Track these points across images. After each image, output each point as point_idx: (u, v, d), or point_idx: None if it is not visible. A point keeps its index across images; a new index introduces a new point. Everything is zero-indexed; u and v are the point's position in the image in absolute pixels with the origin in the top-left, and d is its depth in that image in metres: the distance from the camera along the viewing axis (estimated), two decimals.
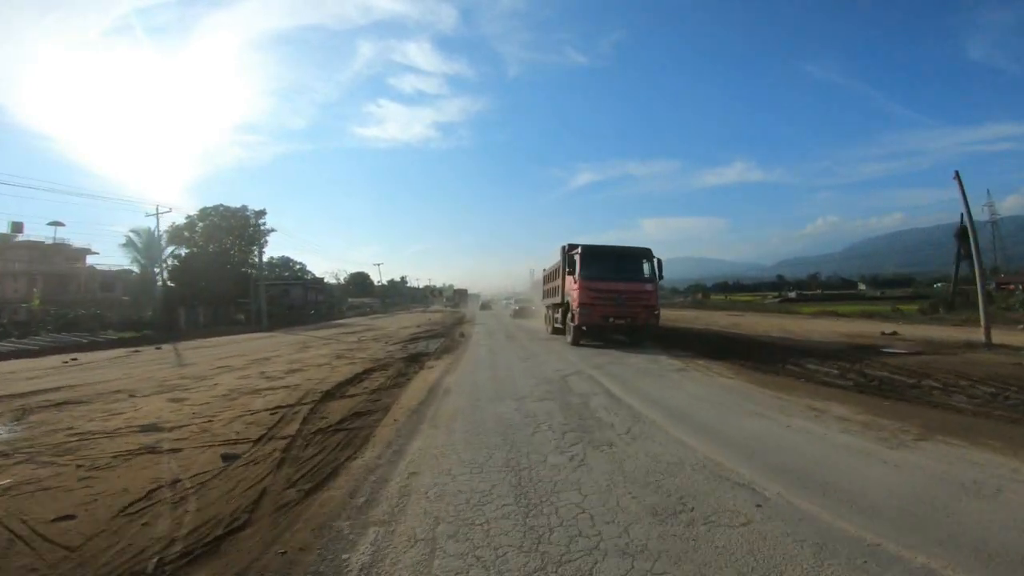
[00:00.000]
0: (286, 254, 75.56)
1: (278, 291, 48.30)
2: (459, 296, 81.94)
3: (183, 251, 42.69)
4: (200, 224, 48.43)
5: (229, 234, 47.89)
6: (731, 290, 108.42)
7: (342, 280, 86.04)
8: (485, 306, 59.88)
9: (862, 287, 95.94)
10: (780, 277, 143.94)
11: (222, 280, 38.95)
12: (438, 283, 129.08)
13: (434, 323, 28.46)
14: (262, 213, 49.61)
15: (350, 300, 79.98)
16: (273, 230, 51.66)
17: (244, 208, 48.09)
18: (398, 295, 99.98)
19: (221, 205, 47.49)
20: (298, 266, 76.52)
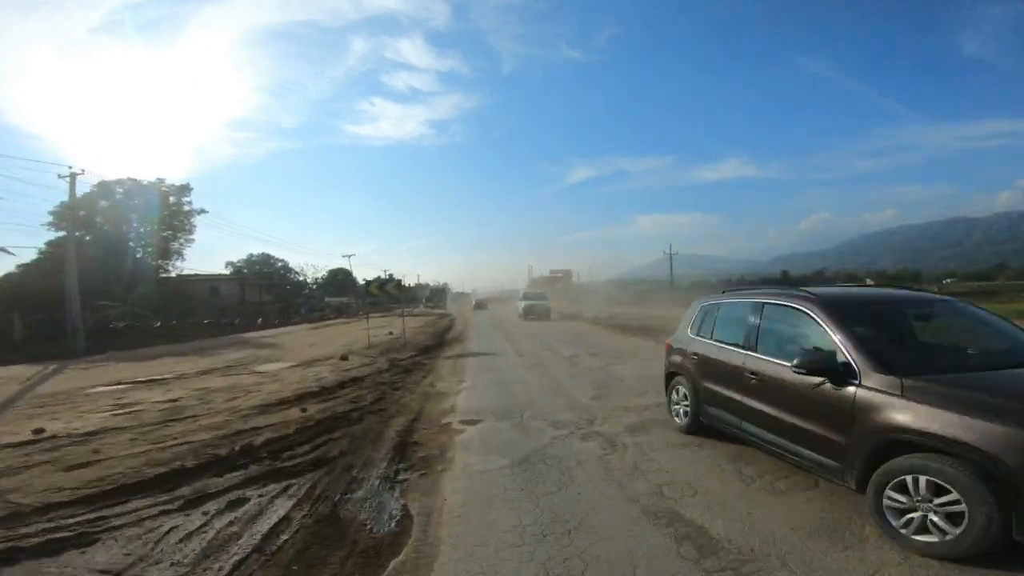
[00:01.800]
0: (268, 251, 69.77)
1: (204, 289, 37.67)
2: (438, 296, 72.42)
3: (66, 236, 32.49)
4: (104, 203, 38.05)
5: (142, 216, 37.58)
6: (735, 287, 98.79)
7: (309, 275, 76.80)
8: (480, 306, 49.45)
9: (869, 282, 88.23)
10: (784, 273, 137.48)
11: (112, 276, 28.77)
12: (430, 280, 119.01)
13: (385, 350, 18.07)
14: (185, 189, 39.41)
15: (327, 299, 71.98)
16: (203, 211, 41.38)
17: (160, 182, 37.79)
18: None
19: (129, 178, 37.18)
20: (280, 263, 70.19)
